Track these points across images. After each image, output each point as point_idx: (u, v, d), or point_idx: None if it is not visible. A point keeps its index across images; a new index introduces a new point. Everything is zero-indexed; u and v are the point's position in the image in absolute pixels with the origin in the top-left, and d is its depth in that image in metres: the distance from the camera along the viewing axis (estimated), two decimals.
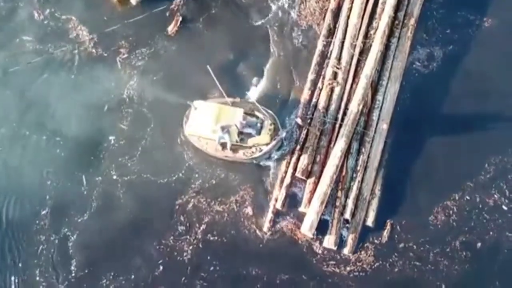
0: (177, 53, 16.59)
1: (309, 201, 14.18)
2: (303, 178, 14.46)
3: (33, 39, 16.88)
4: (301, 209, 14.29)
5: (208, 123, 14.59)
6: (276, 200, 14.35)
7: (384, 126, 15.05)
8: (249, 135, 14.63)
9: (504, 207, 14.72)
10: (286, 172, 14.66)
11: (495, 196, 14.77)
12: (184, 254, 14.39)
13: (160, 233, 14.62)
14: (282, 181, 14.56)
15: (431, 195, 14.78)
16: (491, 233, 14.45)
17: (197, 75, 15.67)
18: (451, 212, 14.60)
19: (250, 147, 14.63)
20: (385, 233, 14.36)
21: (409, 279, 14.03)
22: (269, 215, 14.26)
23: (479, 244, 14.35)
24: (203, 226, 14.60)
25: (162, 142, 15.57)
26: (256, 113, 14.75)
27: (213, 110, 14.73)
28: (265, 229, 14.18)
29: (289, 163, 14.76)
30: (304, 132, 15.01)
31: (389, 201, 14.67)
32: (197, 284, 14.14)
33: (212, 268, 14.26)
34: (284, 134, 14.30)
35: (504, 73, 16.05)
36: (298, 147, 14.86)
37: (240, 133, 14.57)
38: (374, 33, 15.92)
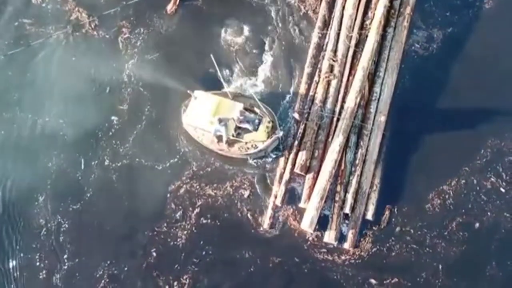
0: (176, 32, 16.64)
1: (309, 196, 14.17)
2: (302, 173, 14.46)
3: (32, 22, 17.03)
4: (301, 204, 14.30)
5: (206, 114, 14.54)
6: (275, 197, 14.34)
7: (382, 118, 14.95)
8: (246, 131, 14.56)
9: (502, 189, 14.69)
10: (284, 168, 14.62)
11: (492, 179, 14.69)
12: (178, 239, 14.43)
13: (153, 220, 14.68)
14: (281, 177, 14.52)
15: (428, 180, 14.75)
16: (489, 213, 14.44)
17: (197, 55, 15.91)
18: (448, 196, 14.56)
19: (246, 143, 14.58)
20: (384, 219, 14.35)
21: (406, 262, 14.01)
22: (269, 212, 14.26)
23: (477, 225, 14.37)
24: (197, 211, 14.65)
25: (159, 127, 15.54)
26: (256, 109, 14.66)
27: (212, 101, 14.68)
28: (265, 226, 14.19)
29: (288, 159, 14.70)
30: (302, 127, 14.93)
31: (387, 187, 14.58)
32: (190, 269, 14.13)
33: (205, 253, 14.28)
34: (281, 134, 14.23)
35: (504, 56, 15.86)
36: (296, 142, 14.80)
37: (237, 128, 14.51)
38: (370, 24, 15.72)
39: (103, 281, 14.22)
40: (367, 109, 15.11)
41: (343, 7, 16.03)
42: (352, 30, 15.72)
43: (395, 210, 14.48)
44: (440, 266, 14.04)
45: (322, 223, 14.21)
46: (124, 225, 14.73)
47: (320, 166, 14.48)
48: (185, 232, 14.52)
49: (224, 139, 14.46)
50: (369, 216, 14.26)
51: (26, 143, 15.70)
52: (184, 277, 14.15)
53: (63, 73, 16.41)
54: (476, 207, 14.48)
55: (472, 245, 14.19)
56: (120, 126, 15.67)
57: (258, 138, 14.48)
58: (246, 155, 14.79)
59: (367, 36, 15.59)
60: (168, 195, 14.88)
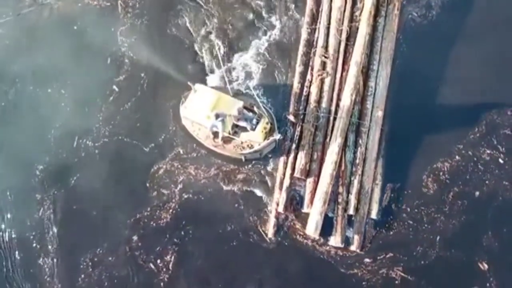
0: None
1: (311, 201, 13.89)
2: (302, 178, 14.16)
3: None
4: (304, 209, 14.04)
5: (204, 108, 14.18)
6: (277, 204, 14.04)
7: (379, 113, 14.59)
8: (243, 130, 14.20)
9: (501, 160, 14.58)
10: (284, 173, 14.29)
11: (488, 151, 14.63)
12: (161, 221, 14.30)
13: (137, 203, 14.48)
14: (281, 183, 14.20)
15: (426, 159, 14.55)
16: (487, 182, 14.34)
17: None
18: (446, 171, 14.44)
19: (242, 142, 14.23)
20: (385, 197, 14.21)
21: (404, 238, 13.92)
22: (272, 220, 13.95)
23: (477, 193, 14.27)
24: (179, 188, 14.51)
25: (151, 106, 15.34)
26: (256, 109, 14.27)
27: (212, 96, 14.30)
28: (270, 235, 13.93)
29: (286, 163, 14.35)
30: (298, 129, 14.54)
31: (387, 170, 14.46)
32: (173, 250, 14.03)
33: (189, 233, 14.18)
34: (278, 137, 13.83)
35: (504, 27, 15.61)
36: (294, 145, 14.43)
37: (234, 125, 14.16)
38: (360, 15, 15.20)
39: (86, 265, 14.02)
40: (363, 105, 14.73)
41: (331, 0, 15.48)
42: (342, 23, 15.21)
43: (395, 189, 14.28)
44: (438, 238, 13.93)
45: (326, 225, 13.88)
46: (108, 208, 14.50)
47: (320, 168, 14.16)
48: (170, 211, 14.34)
49: (220, 135, 14.10)
50: (374, 215, 14.04)
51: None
52: (168, 256, 14.00)
53: (62, 43, 16.05)
54: (475, 178, 14.38)
55: (472, 215, 14.08)
56: (114, 101, 15.44)
57: (255, 139, 14.13)
58: (241, 154, 14.44)
59: (357, 29, 15.11)
60: (153, 174, 14.66)
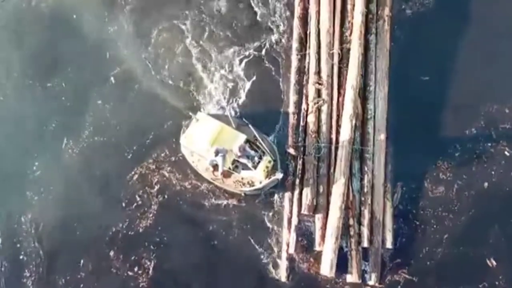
0: None
1: (323, 238, 13.26)
2: (310, 214, 13.53)
3: None
4: (316, 248, 13.40)
5: (205, 140, 13.50)
6: (288, 245, 13.39)
7: (381, 136, 13.96)
8: (245, 165, 13.55)
9: (507, 153, 14.18)
10: (291, 211, 13.65)
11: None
12: (139, 228, 13.93)
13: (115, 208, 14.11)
14: (289, 223, 13.57)
15: (427, 161, 14.18)
16: (493, 173, 13.97)
17: None
18: (450, 169, 14.06)
19: (242, 178, 13.62)
20: (396, 197, 13.77)
21: (416, 238, 13.65)
22: (284, 264, 13.30)
23: (486, 184, 13.90)
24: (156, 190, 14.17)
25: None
26: (259, 144, 13.62)
27: (214, 127, 13.60)
28: (283, 279, 13.29)
29: (292, 201, 13.72)
30: (300, 162, 13.91)
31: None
32: (151, 253, 13.74)
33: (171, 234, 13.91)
34: (280, 176, 13.21)
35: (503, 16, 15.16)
36: (297, 180, 13.81)
37: (235, 160, 13.53)
38: (350, 35, 14.59)
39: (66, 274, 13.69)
40: (364, 130, 14.11)
41: (318, 22, 14.81)
42: (333, 46, 14.56)
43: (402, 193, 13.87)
44: (445, 237, 13.57)
45: (341, 259, 13.18)
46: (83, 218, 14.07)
47: (328, 202, 13.53)
48: (150, 217, 13.98)
49: (220, 170, 13.45)
50: (389, 244, 13.42)
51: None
52: (146, 261, 13.68)
53: (59, 31, 15.64)
54: (482, 171, 14.01)
55: (478, 211, 13.73)
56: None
57: (256, 176, 13.50)
58: (241, 191, 13.84)
59: (349, 50, 14.48)
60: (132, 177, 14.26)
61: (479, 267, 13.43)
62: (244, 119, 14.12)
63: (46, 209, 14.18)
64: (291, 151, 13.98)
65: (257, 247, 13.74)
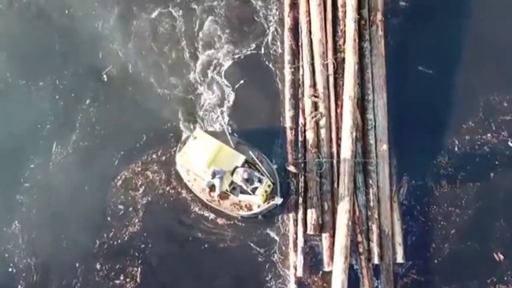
0: None
1: (331, 257, 12.75)
2: (317, 234, 13.01)
3: None
4: (325, 268, 12.88)
5: (203, 160, 12.94)
6: (295, 268, 12.86)
7: (384, 147, 13.49)
8: (242, 189, 12.98)
9: (510, 144, 13.91)
10: (296, 232, 13.11)
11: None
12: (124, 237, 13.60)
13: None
14: (295, 245, 13.03)
15: (430, 159, 13.83)
16: (496, 163, 13.71)
17: None
18: (453, 164, 13.76)
19: (240, 201, 13.08)
20: (402, 191, 13.37)
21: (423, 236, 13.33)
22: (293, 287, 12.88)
23: (491, 175, 13.61)
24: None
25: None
26: (258, 166, 13.08)
27: (213, 147, 13.05)
28: None
29: (296, 220, 13.18)
30: (302, 179, 13.37)
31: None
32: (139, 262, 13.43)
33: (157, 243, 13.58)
34: (280, 201, 12.69)
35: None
36: (301, 199, 13.27)
37: (233, 181, 12.95)
38: (344, 44, 14.09)
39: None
40: (365, 141, 13.62)
41: (310, 32, 14.30)
42: (327, 56, 14.07)
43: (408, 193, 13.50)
44: (452, 232, 13.29)
45: (352, 277, 12.71)
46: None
47: (334, 219, 13.00)
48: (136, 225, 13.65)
49: (217, 192, 12.91)
50: (400, 259, 12.93)
51: None
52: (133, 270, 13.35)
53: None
54: (484, 162, 13.75)
55: (483, 204, 13.46)
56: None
57: (255, 200, 12.95)
58: (237, 214, 13.31)
59: (344, 59, 13.98)
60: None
61: (487, 262, 13.18)
62: (241, 140, 13.65)
63: (33, 219, 13.82)
64: (292, 168, 13.45)
65: (255, 250, 13.30)
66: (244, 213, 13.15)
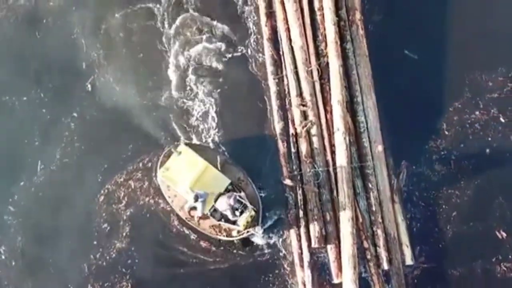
0: None
1: (340, 268, 12.42)
2: (322, 246, 12.68)
3: None
4: (335, 281, 12.54)
5: (187, 179, 12.46)
6: (304, 284, 12.51)
7: (379, 148, 13.20)
8: (223, 214, 12.52)
9: (502, 120, 13.77)
10: (300, 247, 12.75)
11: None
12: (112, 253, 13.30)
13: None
14: (301, 260, 12.67)
15: (422, 145, 13.68)
16: (490, 139, 13.62)
17: None
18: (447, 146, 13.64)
19: (220, 224, 12.63)
20: (402, 176, 13.23)
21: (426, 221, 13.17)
22: None
23: (487, 150, 13.51)
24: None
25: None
26: (243, 195, 12.52)
27: (198, 166, 12.62)
28: None
29: (299, 235, 12.81)
30: (300, 192, 13.01)
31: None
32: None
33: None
34: (260, 232, 12.35)
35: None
36: (301, 212, 12.92)
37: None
38: (326, 48, 13.76)
39: None
40: (359, 144, 13.30)
41: (290, 40, 13.94)
42: (310, 63, 13.72)
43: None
44: (453, 215, 13.14)
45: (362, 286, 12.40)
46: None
47: (338, 229, 12.66)
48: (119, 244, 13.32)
49: (199, 214, 12.53)
50: (409, 261, 12.65)
51: None
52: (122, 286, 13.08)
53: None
54: (478, 139, 13.65)
55: (482, 183, 13.34)
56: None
57: (235, 226, 12.52)
58: (215, 237, 12.88)
59: (327, 63, 13.65)
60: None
61: (491, 241, 13.08)
62: (228, 159, 13.27)
63: (19, 244, 13.45)
64: (288, 182, 13.10)
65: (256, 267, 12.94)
66: (223, 237, 12.74)
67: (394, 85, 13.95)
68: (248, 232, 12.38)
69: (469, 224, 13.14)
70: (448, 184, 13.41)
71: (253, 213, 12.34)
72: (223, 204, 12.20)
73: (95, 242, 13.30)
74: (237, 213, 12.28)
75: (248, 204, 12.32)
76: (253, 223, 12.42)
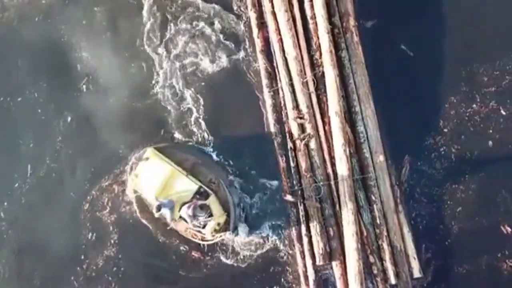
0: None
1: (346, 285, 12.11)
2: (327, 263, 12.35)
3: None
4: None
5: (153, 186, 12.24)
6: None
7: (380, 158, 12.83)
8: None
9: (503, 112, 13.38)
10: (305, 264, 12.45)
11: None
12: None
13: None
14: (306, 278, 12.36)
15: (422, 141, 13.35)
16: (491, 132, 13.29)
17: None
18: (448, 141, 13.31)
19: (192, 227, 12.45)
20: (404, 172, 12.97)
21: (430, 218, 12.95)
22: None
23: (490, 143, 13.19)
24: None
25: None
26: (214, 190, 12.39)
27: (164, 172, 12.34)
28: None
29: (303, 252, 12.53)
30: (301, 208, 12.68)
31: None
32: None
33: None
34: (232, 236, 12.40)
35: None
36: (304, 228, 12.60)
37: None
38: (320, 57, 13.38)
39: None
40: (360, 155, 12.94)
41: (283, 51, 13.55)
42: (305, 74, 13.34)
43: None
44: (460, 209, 12.89)
45: None
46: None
47: (342, 244, 12.34)
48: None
49: (168, 221, 12.33)
50: (417, 273, 12.31)
51: None
52: None
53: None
54: (479, 132, 13.32)
55: (485, 177, 13.05)
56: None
57: (202, 233, 12.38)
58: (192, 239, 12.69)
59: (323, 73, 13.28)
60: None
61: (496, 236, 12.83)
62: (199, 160, 12.91)
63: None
64: (289, 198, 12.76)
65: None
66: (196, 240, 12.54)
67: (390, 86, 13.54)
68: (220, 236, 12.20)
69: (474, 219, 12.88)
70: (451, 179, 13.10)
71: (221, 219, 12.09)
72: (184, 214, 12.03)
73: (82, 256, 13.17)
74: (201, 219, 12.05)
75: (215, 211, 12.10)
76: (225, 226, 12.19)
